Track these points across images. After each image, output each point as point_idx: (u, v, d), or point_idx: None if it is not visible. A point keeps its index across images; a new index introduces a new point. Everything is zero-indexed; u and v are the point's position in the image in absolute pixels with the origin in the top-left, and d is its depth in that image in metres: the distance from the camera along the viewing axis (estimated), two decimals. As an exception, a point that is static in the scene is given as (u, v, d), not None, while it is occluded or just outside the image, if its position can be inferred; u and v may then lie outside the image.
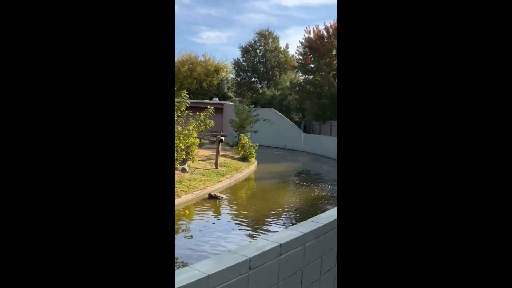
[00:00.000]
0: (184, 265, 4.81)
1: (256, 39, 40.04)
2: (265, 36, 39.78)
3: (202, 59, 36.06)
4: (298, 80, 31.44)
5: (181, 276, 1.41)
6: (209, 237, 6.55)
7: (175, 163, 9.79)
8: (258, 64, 39.52)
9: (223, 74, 36.81)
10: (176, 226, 7.28)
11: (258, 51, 39.81)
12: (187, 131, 8.67)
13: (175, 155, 8.94)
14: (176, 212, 7.89)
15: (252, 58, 39.65)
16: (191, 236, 6.76)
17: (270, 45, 39.59)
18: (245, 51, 39.86)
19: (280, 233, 2.87)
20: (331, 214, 3.39)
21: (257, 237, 5.30)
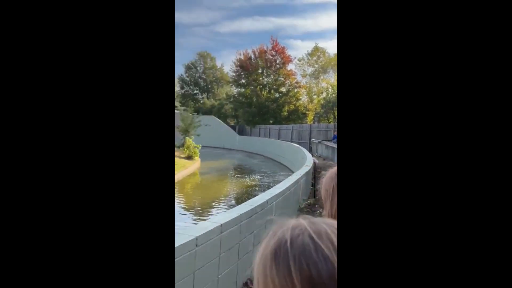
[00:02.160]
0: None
1: (197, 58, 39.97)
2: (204, 56, 39.76)
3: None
4: (232, 92, 32.13)
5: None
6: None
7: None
8: (199, 79, 39.30)
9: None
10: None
11: (198, 68, 39.60)
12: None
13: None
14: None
15: (194, 74, 39.34)
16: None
17: (208, 64, 39.62)
18: (188, 68, 39.48)
19: (220, 215, 2.89)
20: (261, 197, 3.50)
21: (201, 220, 5.21)
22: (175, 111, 25.06)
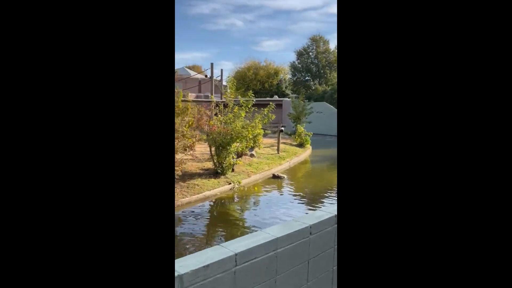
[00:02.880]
0: (255, 230, 4.98)
1: (309, 43, 39.08)
2: (316, 41, 38.57)
3: (264, 64, 36.11)
4: (346, 77, 30.08)
5: (255, 238, 1.48)
6: (275, 208, 6.66)
7: (246, 150, 10.05)
8: (311, 64, 38.53)
9: (281, 75, 36.46)
10: (248, 200, 7.52)
11: (310, 53, 38.77)
12: (254, 124, 8.87)
13: (245, 143, 9.18)
14: (247, 188, 8.14)
15: (306, 60, 38.76)
16: (260, 208, 6.93)
17: (321, 48, 38.29)
18: (299, 54, 39.12)
19: (334, 206, 2.83)
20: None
21: (315, 209, 5.28)
22: (286, 98, 25.72)
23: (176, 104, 6.83)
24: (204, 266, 1.21)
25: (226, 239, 4.86)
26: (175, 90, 6.60)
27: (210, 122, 8.34)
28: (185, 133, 7.44)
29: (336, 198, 7.41)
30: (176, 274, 1.12)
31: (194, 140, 7.71)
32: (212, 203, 7.01)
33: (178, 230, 5.43)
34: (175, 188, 6.75)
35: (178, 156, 7.21)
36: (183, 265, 1.18)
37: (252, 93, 9.71)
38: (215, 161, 8.33)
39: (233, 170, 8.65)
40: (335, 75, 33.81)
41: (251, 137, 9.05)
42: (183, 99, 7.85)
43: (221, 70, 17.05)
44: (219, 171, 8.21)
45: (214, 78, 14.85)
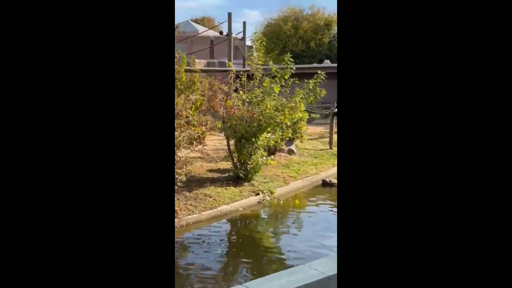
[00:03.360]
0: (295, 264, 4.97)
1: None
2: None
3: (309, 13, 35.68)
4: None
5: (296, 276, 1.47)
6: (326, 232, 6.61)
7: (281, 143, 10.02)
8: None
9: (336, 29, 35.93)
10: (284, 219, 7.52)
11: None
12: (293, 104, 8.69)
13: (281, 133, 9.13)
14: (284, 201, 8.14)
15: (374, 4, 38.01)
16: (303, 231, 6.91)
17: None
18: None
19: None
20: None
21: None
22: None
23: (176, 75, 6.92)
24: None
25: (252, 278, 4.89)
26: (176, 54, 6.68)
27: (228, 102, 8.36)
28: (190, 118, 7.52)
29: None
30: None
31: (204, 129, 7.78)
32: (230, 224, 7.09)
33: (181, 263, 5.55)
34: (177, 201, 6.90)
35: (181, 153, 7.31)
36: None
37: (291, 57, 9.61)
38: (235, 160, 8.40)
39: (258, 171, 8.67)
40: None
41: (289, 124, 8.97)
42: (187, 67, 7.89)
43: (244, 23, 17.07)
44: (241, 175, 8.28)
45: (234, 35, 14.91)
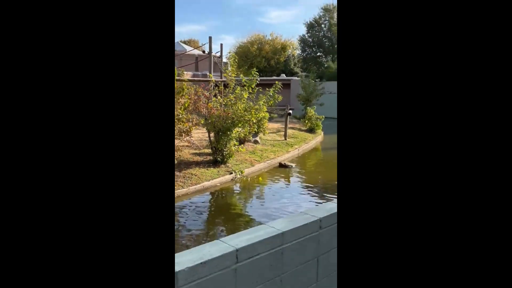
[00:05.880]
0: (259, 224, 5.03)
1: (321, 14, 38.26)
2: (330, 11, 37.74)
3: (270, 38, 35.56)
4: (363, 52, 29.60)
5: (259, 233, 1.49)
6: (281, 200, 6.71)
7: (249, 136, 10.04)
8: (323, 38, 37.88)
9: (289, 51, 35.99)
10: (251, 191, 7.58)
11: (323, 25, 38.07)
12: (258, 106, 8.78)
13: (248, 128, 9.16)
14: (251, 178, 8.19)
15: (317, 33, 38.09)
16: (265, 200, 6.98)
17: (335, 19, 37.50)
18: (310, 26, 38.39)
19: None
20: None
21: (326, 202, 5.29)
22: (295, 77, 25.53)
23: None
24: (201, 263, 1.22)
25: (227, 235, 4.92)
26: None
27: (209, 104, 8.31)
28: (180, 116, 7.44)
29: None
30: (170, 271, 1.14)
31: (190, 124, 7.72)
32: (211, 195, 7.07)
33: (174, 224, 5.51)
34: (170, 178, 6.81)
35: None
36: (178, 262, 1.19)
37: (256, 71, 9.60)
38: (214, 148, 8.35)
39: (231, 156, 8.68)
40: (351, 50, 33.11)
41: (254, 121, 9.01)
42: (177, 78, 7.79)
43: (221, 45, 16.80)
44: (219, 159, 8.25)
45: (213, 54, 14.70)
